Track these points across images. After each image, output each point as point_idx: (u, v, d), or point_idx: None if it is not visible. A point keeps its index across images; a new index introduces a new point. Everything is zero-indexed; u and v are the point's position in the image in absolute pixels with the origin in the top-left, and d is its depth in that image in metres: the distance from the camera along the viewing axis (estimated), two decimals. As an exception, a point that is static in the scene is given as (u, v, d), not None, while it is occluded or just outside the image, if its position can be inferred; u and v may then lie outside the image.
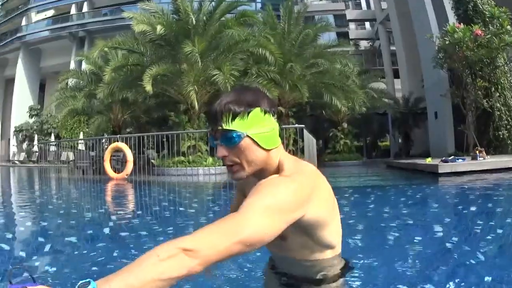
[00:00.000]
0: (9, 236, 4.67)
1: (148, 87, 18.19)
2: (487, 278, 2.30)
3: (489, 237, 3.58)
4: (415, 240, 3.42)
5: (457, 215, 5.52)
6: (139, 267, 1.32)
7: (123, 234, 4.70)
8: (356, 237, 3.62)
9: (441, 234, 3.92)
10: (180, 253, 1.35)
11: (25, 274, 1.66)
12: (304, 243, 1.85)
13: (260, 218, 1.49)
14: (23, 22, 55.74)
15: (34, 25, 55.54)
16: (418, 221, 4.94)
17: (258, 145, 1.73)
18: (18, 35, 54.32)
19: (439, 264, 2.73)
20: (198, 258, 1.36)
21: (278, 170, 1.81)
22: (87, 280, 1.37)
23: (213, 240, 1.40)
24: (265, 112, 1.76)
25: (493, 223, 4.27)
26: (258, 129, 1.73)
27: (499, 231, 3.87)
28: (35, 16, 56.72)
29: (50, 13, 56.77)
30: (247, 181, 1.93)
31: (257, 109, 1.73)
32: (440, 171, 12.36)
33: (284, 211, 1.56)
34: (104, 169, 17.08)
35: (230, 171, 1.80)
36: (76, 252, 3.65)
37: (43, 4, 56.35)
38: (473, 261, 2.67)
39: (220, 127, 1.71)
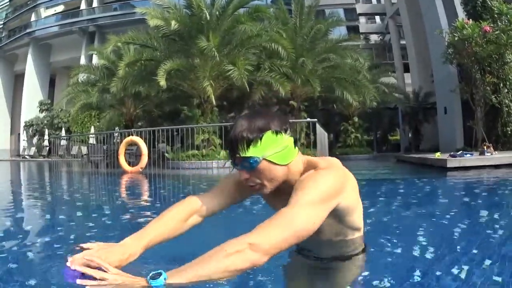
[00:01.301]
0: (45, 226, 4.83)
1: (162, 82, 18.38)
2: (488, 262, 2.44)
3: (494, 226, 3.73)
4: (421, 229, 3.58)
5: (463, 205, 5.68)
6: (209, 260, 1.59)
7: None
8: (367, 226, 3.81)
9: (446, 223, 4.08)
10: (245, 248, 1.59)
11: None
12: (337, 230, 2.10)
13: (307, 211, 1.74)
14: (32, 18, 55.98)
15: (44, 20, 55.83)
16: (426, 211, 5.13)
17: (276, 163, 1.95)
18: (28, 30, 54.59)
19: (444, 249, 2.90)
20: (260, 251, 1.60)
21: (303, 173, 2.03)
22: (159, 271, 1.59)
23: (272, 235, 1.65)
24: (276, 133, 1.96)
25: (498, 215, 4.43)
26: (272, 150, 1.94)
27: (502, 222, 4.04)
28: (44, 12, 56.95)
29: (60, 8, 56.92)
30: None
31: (269, 132, 1.95)
32: (448, 165, 12.43)
33: (325, 201, 1.81)
34: (118, 163, 17.25)
35: (253, 189, 2.06)
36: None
37: (53, 0, 56.55)
38: (475, 249, 2.82)
39: (238, 155, 1.94)
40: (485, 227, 3.79)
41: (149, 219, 2.37)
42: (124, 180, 13.11)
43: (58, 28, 53.72)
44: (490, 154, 14.39)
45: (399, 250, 2.64)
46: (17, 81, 58.49)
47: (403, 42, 40.86)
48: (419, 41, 32.25)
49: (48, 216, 5.57)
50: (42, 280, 2.21)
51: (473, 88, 19.70)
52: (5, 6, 61.75)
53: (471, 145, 19.60)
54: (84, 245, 1.86)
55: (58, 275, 2.13)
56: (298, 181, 1.93)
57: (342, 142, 31.13)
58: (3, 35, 59.73)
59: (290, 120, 16.45)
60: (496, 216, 4.35)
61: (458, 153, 14.51)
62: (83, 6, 53.64)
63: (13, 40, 56.77)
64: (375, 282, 1.96)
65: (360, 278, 2.06)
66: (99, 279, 1.60)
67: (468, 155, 14.01)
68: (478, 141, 18.78)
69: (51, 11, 57.04)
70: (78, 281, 1.61)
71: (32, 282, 2.11)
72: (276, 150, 1.94)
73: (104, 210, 6.18)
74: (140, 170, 16.38)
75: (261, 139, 1.92)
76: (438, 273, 2.19)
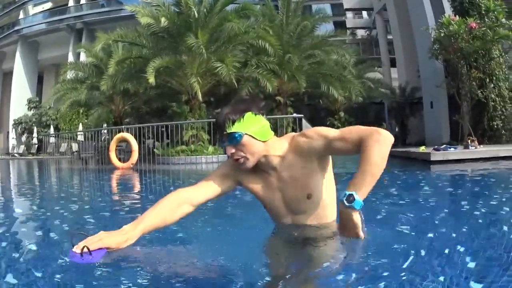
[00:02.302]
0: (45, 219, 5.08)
1: (151, 79, 18.68)
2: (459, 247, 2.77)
3: (472, 214, 4.15)
4: (403, 217, 3.96)
5: (441, 195, 6.08)
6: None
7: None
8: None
9: (428, 212, 4.50)
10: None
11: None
12: (322, 200, 2.49)
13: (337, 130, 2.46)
14: (21, 15, 55.50)
15: (32, 18, 55.25)
16: (408, 201, 5.52)
17: (256, 139, 2.41)
18: (16, 28, 54.12)
19: (418, 233, 3.31)
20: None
21: (280, 151, 2.50)
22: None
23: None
24: (255, 114, 2.44)
25: (474, 204, 4.83)
26: (252, 127, 2.41)
27: (476, 211, 4.43)
28: (32, 9, 56.49)
29: (48, 5, 56.59)
30: (243, 172, 2.56)
31: (249, 113, 2.42)
32: (432, 159, 12.79)
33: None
34: (109, 159, 17.46)
35: (238, 164, 2.46)
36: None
37: (41, -4, 56.24)
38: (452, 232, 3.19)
39: (225, 132, 2.38)
40: (460, 214, 4.32)
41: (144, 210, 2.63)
42: (117, 175, 13.37)
43: (45, 26, 53.27)
44: (474, 147, 14.75)
45: (377, 234, 3.00)
46: (5, 79, 58.01)
47: (390, 37, 41.01)
48: (406, 36, 32.43)
49: (54, 210, 5.79)
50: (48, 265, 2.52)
51: (459, 83, 19.91)
52: (-6, 4, 61.40)
53: (457, 139, 19.81)
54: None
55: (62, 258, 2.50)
56: (302, 142, 2.44)
57: (329, 137, 31.25)
58: (-9, 33, 59.48)
59: (277, 116, 16.80)
60: (470, 205, 4.79)
61: (442, 146, 14.84)
62: (70, 3, 53.25)
63: (1, 38, 56.29)
64: (355, 262, 2.35)
65: (339, 256, 2.39)
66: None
67: (452, 149, 14.37)
68: (464, 135, 18.88)
69: (39, 8, 56.55)
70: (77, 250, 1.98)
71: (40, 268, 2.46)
72: (256, 128, 2.41)
73: (104, 203, 6.48)
74: (131, 166, 16.61)
75: (243, 117, 2.39)
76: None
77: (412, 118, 33.60)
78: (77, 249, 1.99)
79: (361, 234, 2.08)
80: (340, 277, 2.15)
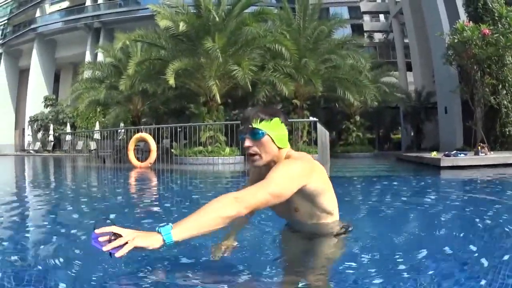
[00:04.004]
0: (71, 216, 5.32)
1: (171, 81, 18.98)
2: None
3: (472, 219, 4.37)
4: (409, 218, 4.29)
5: (448, 200, 6.32)
6: (204, 210, 2.15)
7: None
8: (358, 215, 4.51)
9: (433, 214, 4.84)
10: (232, 200, 2.20)
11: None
12: (311, 212, 2.72)
13: (281, 179, 2.39)
14: (37, 14, 56.05)
15: (48, 16, 55.86)
16: (415, 205, 5.79)
17: (274, 143, 2.62)
18: (32, 26, 54.70)
19: (420, 234, 3.68)
20: (243, 203, 2.20)
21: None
22: (167, 224, 2.07)
23: (252, 192, 2.29)
24: (281, 122, 2.64)
25: (478, 209, 5.13)
26: (276, 132, 2.61)
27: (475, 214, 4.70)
28: (49, 8, 56.97)
29: (65, 4, 56.95)
30: (258, 170, 2.80)
31: (277, 119, 2.63)
32: (442, 164, 13.01)
33: (295, 178, 2.46)
34: (127, 158, 17.73)
35: (251, 159, 2.68)
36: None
37: (58, -4, 56.65)
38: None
39: (250, 125, 2.58)
40: (463, 218, 4.61)
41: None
42: (136, 174, 13.64)
43: (63, 24, 53.82)
44: (484, 154, 14.86)
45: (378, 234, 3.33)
46: (21, 76, 58.56)
47: (406, 41, 40.99)
48: (422, 40, 32.46)
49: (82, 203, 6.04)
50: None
51: (473, 89, 19.92)
52: (10, 1, 61.86)
53: (470, 145, 19.80)
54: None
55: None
56: (276, 164, 2.56)
57: (344, 140, 31.60)
58: (7, 30, 59.96)
59: (293, 120, 17.02)
60: (473, 209, 5.08)
61: (452, 152, 14.96)
62: (88, 2, 53.65)
63: (17, 36, 56.86)
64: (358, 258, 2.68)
65: (338, 254, 2.78)
66: (118, 234, 1.94)
67: (462, 155, 14.52)
68: (477, 141, 18.86)
69: (56, 7, 57.02)
70: (104, 248, 1.91)
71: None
72: (277, 133, 2.61)
73: (123, 200, 6.71)
74: (149, 165, 16.87)
75: (271, 120, 2.59)
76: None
77: (427, 122, 33.59)
78: (104, 242, 1.93)
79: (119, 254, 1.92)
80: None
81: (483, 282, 2.26)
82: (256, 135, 2.56)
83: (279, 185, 2.33)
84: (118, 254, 1.88)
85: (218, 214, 2.10)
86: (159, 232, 1.99)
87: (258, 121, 2.55)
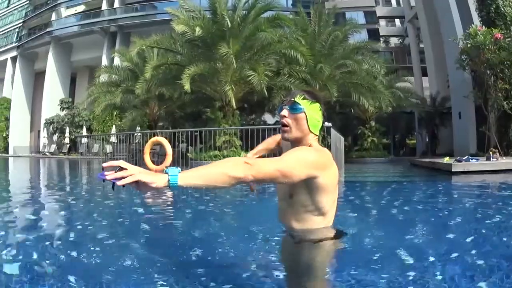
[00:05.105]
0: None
1: (187, 86, 19.18)
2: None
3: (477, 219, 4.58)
4: (416, 221, 4.41)
5: (456, 204, 6.51)
6: (212, 165, 2.19)
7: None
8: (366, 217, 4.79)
9: (440, 218, 5.02)
10: (242, 162, 2.22)
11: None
12: (303, 202, 2.71)
13: (293, 161, 2.43)
14: (53, 17, 56.55)
15: (64, 20, 56.27)
16: (427, 208, 6.01)
17: (307, 123, 2.71)
18: (48, 30, 55.09)
19: (424, 236, 3.87)
20: (252, 170, 2.21)
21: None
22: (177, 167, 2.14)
23: (262, 163, 2.30)
24: (320, 109, 2.76)
25: (486, 213, 5.24)
26: (313, 114, 2.73)
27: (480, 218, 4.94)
28: (65, 11, 57.42)
29: (80, 8, 57.34)
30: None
31: (318, 104, 2.75)
32: (453, 170, 13.12)
33: (307, 165, 2.48)
34: (144, 161, 17.81)
35: (282, 129, 2.78)
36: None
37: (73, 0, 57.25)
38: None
39: (293, 99, 2.70)
40: (468, 221, 4.82)
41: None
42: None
43: (79, 28, 54.14)
44: (495, 159, 14.86)
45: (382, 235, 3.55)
46: (37, 78, 59.03)
47: (422, 45, 40.91)
48: (436, 45, 32.37)
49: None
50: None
51: (486, 94, 19.90)
52: (25, 4, 62.43)
53: (484, 150, 19.68)
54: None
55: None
56: (294, 148, 2.66)
57: (360, 146, 31.58)
58: (23, 33, 60.55)
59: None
60: (481, 214, 5.20)
61: (464, 158, 14.96)
62: (104, 6, 54.07)
63: (33, 39, 57.38)
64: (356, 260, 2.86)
65: (333, 254, 2.83)
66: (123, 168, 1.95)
67: (473, 160, 14.52)
68: (490, 146, 18.89)
69: (72, 10, 57.45)
70: (108, 177, 1.92)
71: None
72: (314, 116, 2.72)
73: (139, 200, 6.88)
74: (165, 168, 16.94)
75: (313, 102, 2.72)
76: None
77: (442, 128, 33.48)
78: (109, 173, 1.95)
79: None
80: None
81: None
82: (294, 109, 2.68)
83: (290, 165, 2.37)
84: (120, 182, 1.91)
85: (226, 172, 2.11)
86: (166, 173, 2.01)
87: (301, 98, 2.69)
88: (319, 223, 2.73)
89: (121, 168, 1.95)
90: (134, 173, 1.94)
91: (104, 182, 1.94)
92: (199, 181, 2.08)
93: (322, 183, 2.58)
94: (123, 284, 2.53)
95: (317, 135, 2.77)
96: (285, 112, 2.70)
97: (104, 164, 1.97)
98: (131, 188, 1.97)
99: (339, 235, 2.84)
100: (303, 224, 2.73)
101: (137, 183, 1.95)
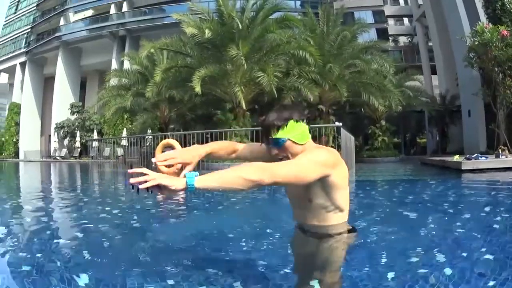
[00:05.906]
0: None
1: (198, 88, 19.30)
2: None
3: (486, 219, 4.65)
4: (427, 220, 4.51)
5: (465, 202, 6.59)
6: (230, 170, 2.31)
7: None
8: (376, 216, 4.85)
9: (450, 214, 5.12)
10: (259, 167, 2.35)
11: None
12: (324, 204, 2.82)
13: (307, 163, 2.55)
14: (61, 22, 56.92)
15: (73, 24, 56.68)
16: (437, 206, 6.00)
17: (296, 143, 2.76)
18: (57, 34, 55.55)
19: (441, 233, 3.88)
20: (267, 173, 2.33)
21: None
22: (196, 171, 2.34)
23: (279, 167, 2.44)
24: (296, 121, 2.75)
25: (493, 211, 5.30)
26: (294, 133, 2.74)
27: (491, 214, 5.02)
28: (73, 16, 57.81)
29: (89, 13, 57.70)
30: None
31: (291, 121, 2.75)
32: (463, 168, 13.07)
33: (320, 165, 2.60)
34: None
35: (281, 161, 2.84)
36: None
37: (82, 5, 57.54)
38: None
39: (270, 137, 2.75)
40: (477, 219, 4.75)
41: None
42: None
43: (87, 32, 54.48)
44: (505, 157, 14.84)
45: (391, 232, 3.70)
46: (47, 83, 59.53)
47: (430, 44, 40.79)
48: (444, 43, 32.21)
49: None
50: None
51: (494, 91, 19.86)
52: (33, 10, 62.80)
53: (493, 147, 19.64)
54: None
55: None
56: (305, 151, 2.73)
57: (370, 145, 31.57)
58: (31, 38, 60.96)
59: (316, 125, 17.07)
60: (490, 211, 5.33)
61: (474, 156, 14.91)
62: (112, 10, 54.37)
63: (42, 44, 57.84)
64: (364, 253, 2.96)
65: (346, 249, 2.91)
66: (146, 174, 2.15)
67: (483, 158, 14.48)
68: (499, 143, 18.90)
69: (80, 15, 57.80)
70: (131, 180, 2.11)
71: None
72: (296, 133, 2.74)
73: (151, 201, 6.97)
74: (176, 171, 17.01)
75: (286, 125, 2.72)
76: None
77: (452, 126, 33.31)
78: (131, 180, 2.13)
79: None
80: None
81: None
82: (278, 144, 2.72)
83: (303, 167, 2.49)
84: (142, 186, 2.08)
85: (241, 175, 2.23)
86: (184, 177, 2.19)
87: (276, 130, 2.71)
88: (340, 219, 2.87)
89: (144, 174, 2.13)
90: (154, 177, 2.12)
91: (133, 189, 2.10)
92: (215, 183, 2.22)
93: (335, 180, 2.71)
94: (137, 278, 2.61)
95: (309, 139, 2.84)
96: (274, 151, 2.77)
97: (129, 170, 2.16)
98: (154, 192, 2.18)
99: (353, 230, 2.98)
100: (325, 223, 2.85)
101: (159, 186, 2.14)
